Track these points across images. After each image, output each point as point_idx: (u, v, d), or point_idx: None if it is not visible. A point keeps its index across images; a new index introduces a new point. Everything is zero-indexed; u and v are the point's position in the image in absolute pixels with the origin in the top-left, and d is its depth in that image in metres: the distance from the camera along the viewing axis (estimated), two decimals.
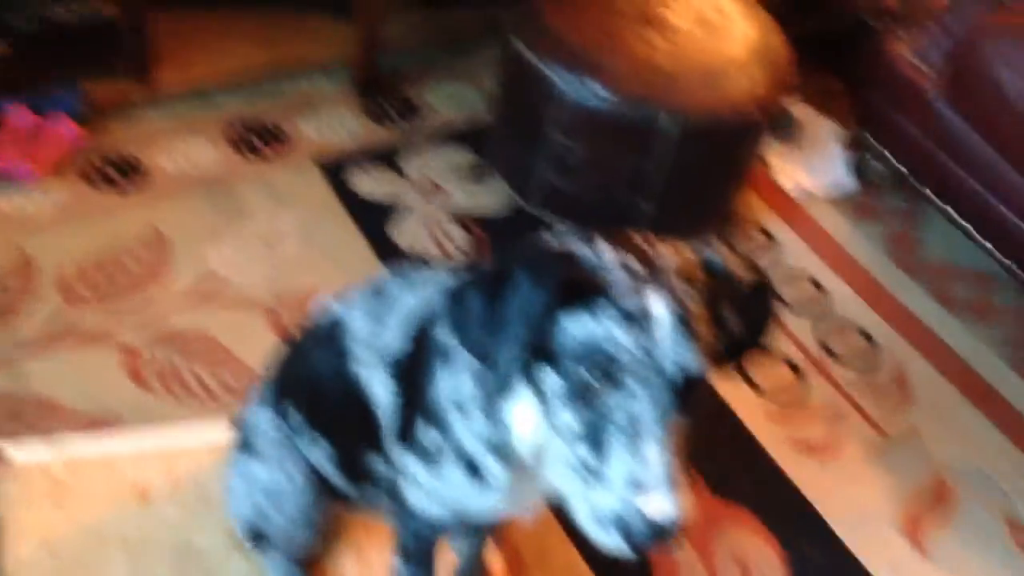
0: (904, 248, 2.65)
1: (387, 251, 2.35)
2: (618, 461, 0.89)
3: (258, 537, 1.44)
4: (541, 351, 0.93)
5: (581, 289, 0.91)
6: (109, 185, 2.36)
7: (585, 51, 2.25)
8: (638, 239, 0.98)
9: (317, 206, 2.42)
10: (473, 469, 1.12)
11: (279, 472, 1.36)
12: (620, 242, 0.96)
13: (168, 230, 2.28)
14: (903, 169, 2.63)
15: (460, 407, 1.09)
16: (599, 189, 2.35)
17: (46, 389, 1.90)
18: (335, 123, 2.68)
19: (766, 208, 2.69)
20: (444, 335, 1.10)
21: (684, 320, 0.91)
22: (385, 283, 1.24)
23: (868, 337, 2.40)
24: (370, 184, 2.52)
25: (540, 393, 0.96)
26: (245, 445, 1.40)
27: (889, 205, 2.78)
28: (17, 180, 2.30)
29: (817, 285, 2.50)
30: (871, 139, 2.71)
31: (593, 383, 0.90)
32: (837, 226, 2.68)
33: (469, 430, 1.10)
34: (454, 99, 2.85)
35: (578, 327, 0.90)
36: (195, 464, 1.62)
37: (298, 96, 2.74)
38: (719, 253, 1.00)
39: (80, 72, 2.53)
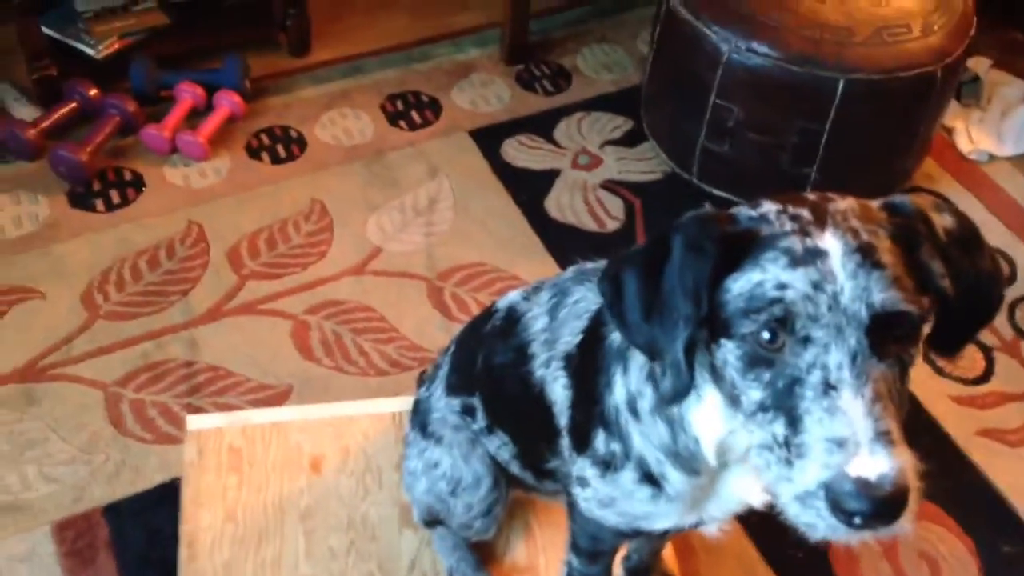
0: None
1: (541, 221, 2.31)
2: (815, 424, 0.78)
3: (434, 521, 1.44)
4: (711, 325, 0.85)
5: (743, 246, 0.82)
6: (270, 157, 2.42)
7: (747, 7, 2.13)
8: (807, 195, 0.88)
9: (471, 176, 2.41)
10: (651, 479, 1.06)
11: (463, 464, 1.35)
12: (787, 199, 0.86)
13: (328, 201, 2.31)
14: None
15: (636, 412, 1.04)
16: (761, 155, 2.23)
17: (218, 358, 1.97)
18: (487, 92, 2.66)
19: (946, 174, 2.51)
20: (614, 332, 1.05)
21: (867, 251, 0.79)
22: (566, 279, 1.19)
23: None
24: (523, 153, 2.49)
25: (717, 374, 0.89)
26: (427, 430, 1.39)
27: None
28: (188, 156, 2.38)
29: (1006, 258, 2.32)
30: None
31: (770, 339, 0.80)
32: (1017, 187, 2.48)
33: (647, 437, 1.04)
34: (605, 63, 2.78)
35: (744, 283, 0.81)
36: (363, 436, 1.65)
37: (449, 65, 2.73)
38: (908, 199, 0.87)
39: (240, 46, 2.59)
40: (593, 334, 1.09)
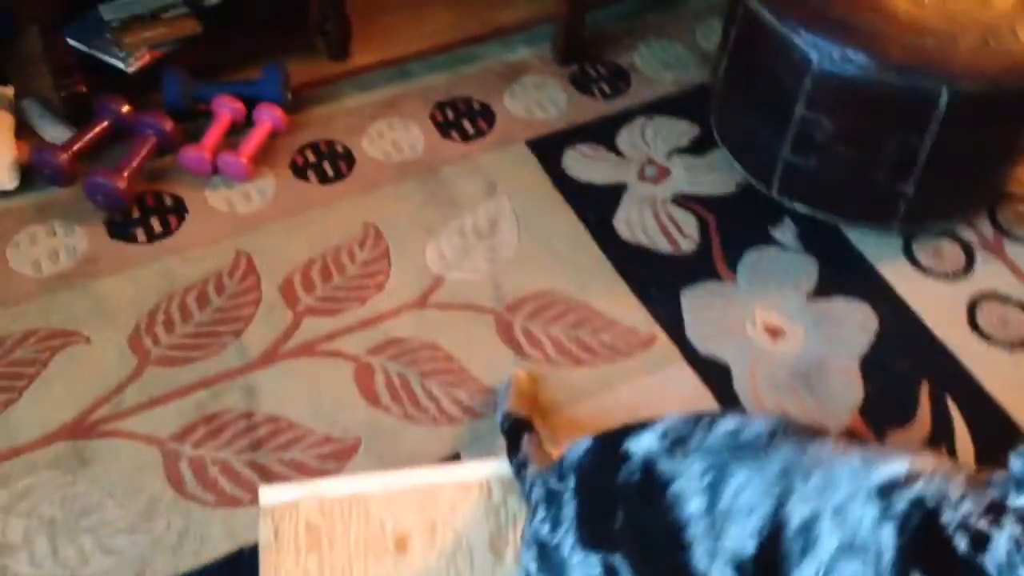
0: None
1: (610, 241, 2.16)
2: None
3: None
4: None
5: None
6: (318, 176, 2.26)
7: (837, 10, 1.96)
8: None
9: (532, 192, 2.26)
10: None
11: None
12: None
13: (382, 225, 2.16)
14: None
15: None
16: (851, 169, 2.07)
17: (278, 407, 1.83)
18: (541, 96, 2.49)
19: None
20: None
21: None
22: (720, 449, 1.04)
23: None
24: (584, 165, 2.33)
25: None
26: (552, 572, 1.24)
27: None
28: (230, 177, 2.22)
29: None
30: None
31: None
32: None
33: None
34: (664, 60, 2.61)
35: None
36: (449, 508, 1.52)
37: (499, 67, 2.56)
38: None
39: (277, 53, 2.42)
40: (772, 541, 0.96)
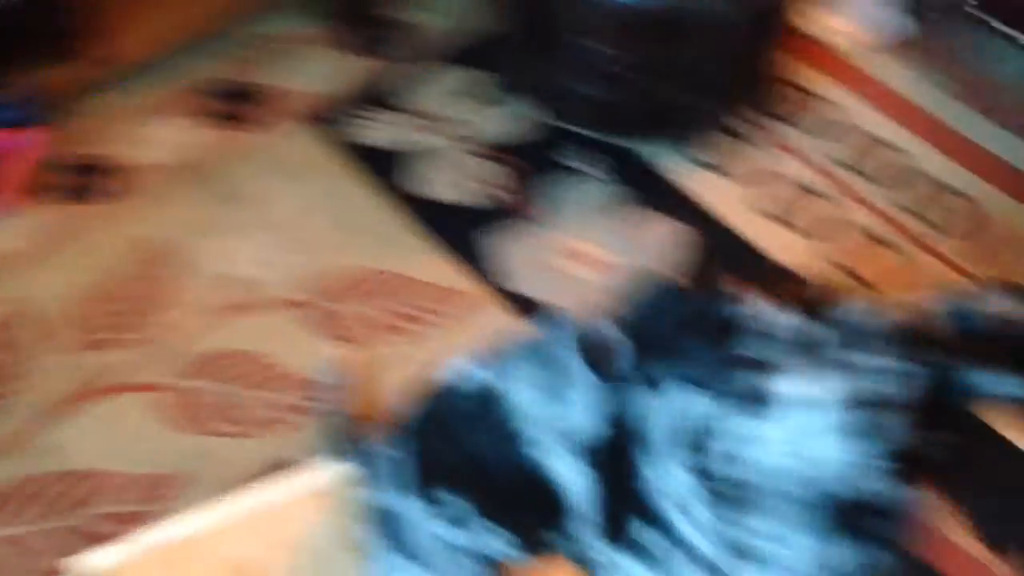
0: (978, 90, 2.37)
1: (422, 207, 2.06)
2: None
3: None
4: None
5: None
6: (87, 195, 2.04)
7: None
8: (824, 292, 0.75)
9: (326, 171, 2.12)
10: (712, 568, 0.90)
11: None
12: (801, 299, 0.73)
13: (167, 235, 1.98)
14: None
15: (680, 505, 0.87)
16: (633, 92, 2.06)
17: (85, 459, 1.65)
18: (322, 67, 2.33)
19: (815, 68, 2.39)
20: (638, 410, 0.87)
21: (862, 422, 0.71)
22: (550, 346, 0.99)
23: (962, 194, 2.16)
24: (377, 132, 2.21)
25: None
26: (398, 543, 1.16)
27: (953, 44, 2.48)
28: None
29: (889, 146, 2.24)
30: None
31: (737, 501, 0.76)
32: (897, 76, 2.39)
33: (697, 528, 0.87)
34: (446, 12, 2.49)
35: (726, 434, 0.76)
36: (297, 518, 1.40)
37: (273, 43, 2.37)
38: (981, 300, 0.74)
39: (22, 64, 2.15)
40: (616, 415, 0.92)
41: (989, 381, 0.73)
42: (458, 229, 2.03)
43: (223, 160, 2.13)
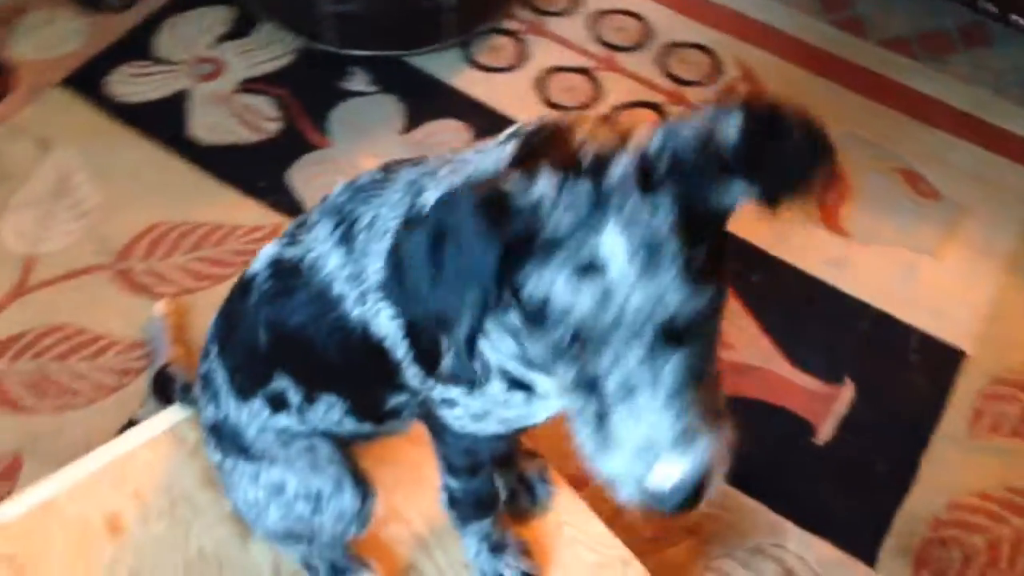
0: None
1: (197, 153, 2.05)
2: (619, 424, 0.77)
3: (298, 539, 1.28)
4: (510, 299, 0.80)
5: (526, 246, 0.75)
6: None
7: None
8: (583, 125, 0.81)
9: (90, 132, 2.06)
10: (520, 384, 1.01)
11: (314, 474, 1.19)
12: (564, 157, 0.78)
13: None
14: None
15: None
16: (393, 2, 2.12)
17: None
18: (55, 29, 2.24)
19: None
20: None
21: (654, 249, 0.74)
22: (342, 203, 1.04)
23: (705, 49, 2.37)
24: (134, 85, 2.15)
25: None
26: (249, 452, 1.21)
27: None
28: None
29: (631, 15, 2.42)
30: None
31: (568, 345, 0.77)
32: None
33: (498, 350, 0.97)
34: None
35: (532, 289, 0.76)
36: (147, 471, 1.42)
37: None
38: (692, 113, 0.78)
39: None
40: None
41: (717, 193, 0.77)
42: (252, 169, 2.03)
43: None
